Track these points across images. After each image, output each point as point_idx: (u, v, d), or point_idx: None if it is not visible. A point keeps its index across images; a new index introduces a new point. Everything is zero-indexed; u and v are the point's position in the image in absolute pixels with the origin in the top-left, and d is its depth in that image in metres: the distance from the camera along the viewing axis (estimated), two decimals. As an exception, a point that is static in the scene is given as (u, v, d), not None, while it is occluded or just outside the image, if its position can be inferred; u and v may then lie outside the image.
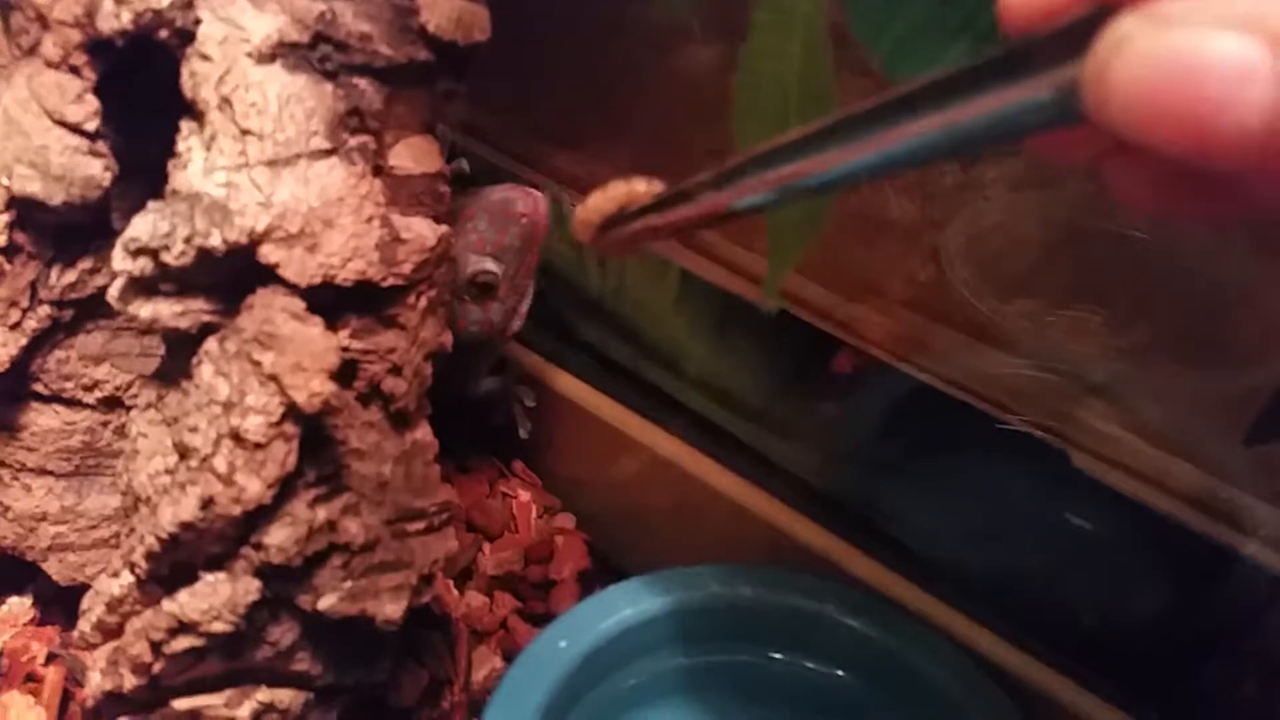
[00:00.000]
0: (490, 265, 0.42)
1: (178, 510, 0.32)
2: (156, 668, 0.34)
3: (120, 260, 0.31)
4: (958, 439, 0.41)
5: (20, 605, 0.44)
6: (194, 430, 0.32)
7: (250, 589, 0.33)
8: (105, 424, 0.40)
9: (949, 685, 0.36)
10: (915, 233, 0.47)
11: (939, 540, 0.41)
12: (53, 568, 0.41)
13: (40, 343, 0.38)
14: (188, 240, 0.31)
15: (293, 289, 0.32)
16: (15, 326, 0.36)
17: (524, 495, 0.51)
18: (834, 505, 0.43)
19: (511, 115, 0.51)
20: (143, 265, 0.31)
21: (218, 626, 0.33)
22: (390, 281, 0.34)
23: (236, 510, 0.31)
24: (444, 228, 0.35)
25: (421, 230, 0.34)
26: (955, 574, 0.40)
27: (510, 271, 0.43)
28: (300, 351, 0.31)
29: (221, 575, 0.33)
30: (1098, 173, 0.18)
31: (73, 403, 0.39)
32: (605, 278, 0.47)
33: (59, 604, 0.43)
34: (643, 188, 0.25)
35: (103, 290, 0.35)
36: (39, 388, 0.39)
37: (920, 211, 0.48)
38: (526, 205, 0.42)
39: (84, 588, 0.38)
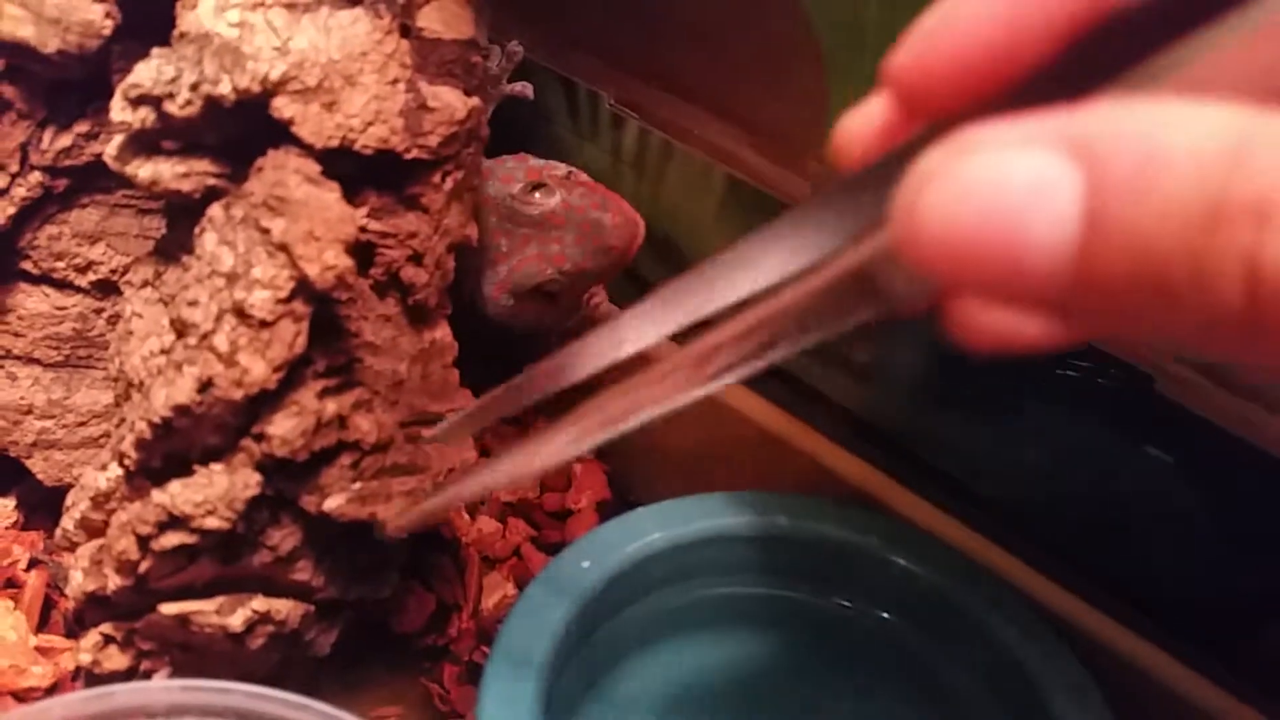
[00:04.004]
0: (560, 278, 0.40)
1: (172, 392, 0.29)
2: (143, 567, 0.31)
3: (120, 110, 0.28)
4: (1017, 370, 0.38)
5: (3, 508, 0.41)
6: (193, 305, 0.29)
7: (249, 483, 0.30)
8: (98, 311, 0.37)
9: (1002, 630, 0.33)
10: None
11: (994, 477, 0.38)
12: (38, 466, 0.38)
13: (30, 215, 0.35)
14: (194, 88, 0.28)
15: (307, 150, 0.28)
16: (3, 193, 0.33)
17: (541, 421, 0.48)
18: (880, 437, 0.40)
19: (547, 21, 0.47)
20: (144, 116, 0.28)
21: (212, 523, 0.30)
22: (414, 154, 0.31)
23: (237, 394, 0.28)
24: (475, 100, 0.32)
25: (450, 100, 0.31)
26: (1013, 515, 0.37)
27: (578, 289, 0.41)
28: (314, 219, 0.28)
29: (218, 467, 0.30)
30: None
31: (64, 285, 0.36)
32: (640, 183, 0.43)
33: (45, 507, 0.40)
34: None
35: (99, 159, 0.32)
36: (28, 266, 0.36)
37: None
38: (620, 239, 0.39)
39: (71, 489, 0.35)
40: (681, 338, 0.18)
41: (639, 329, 0.19)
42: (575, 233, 0.39)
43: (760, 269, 0.16)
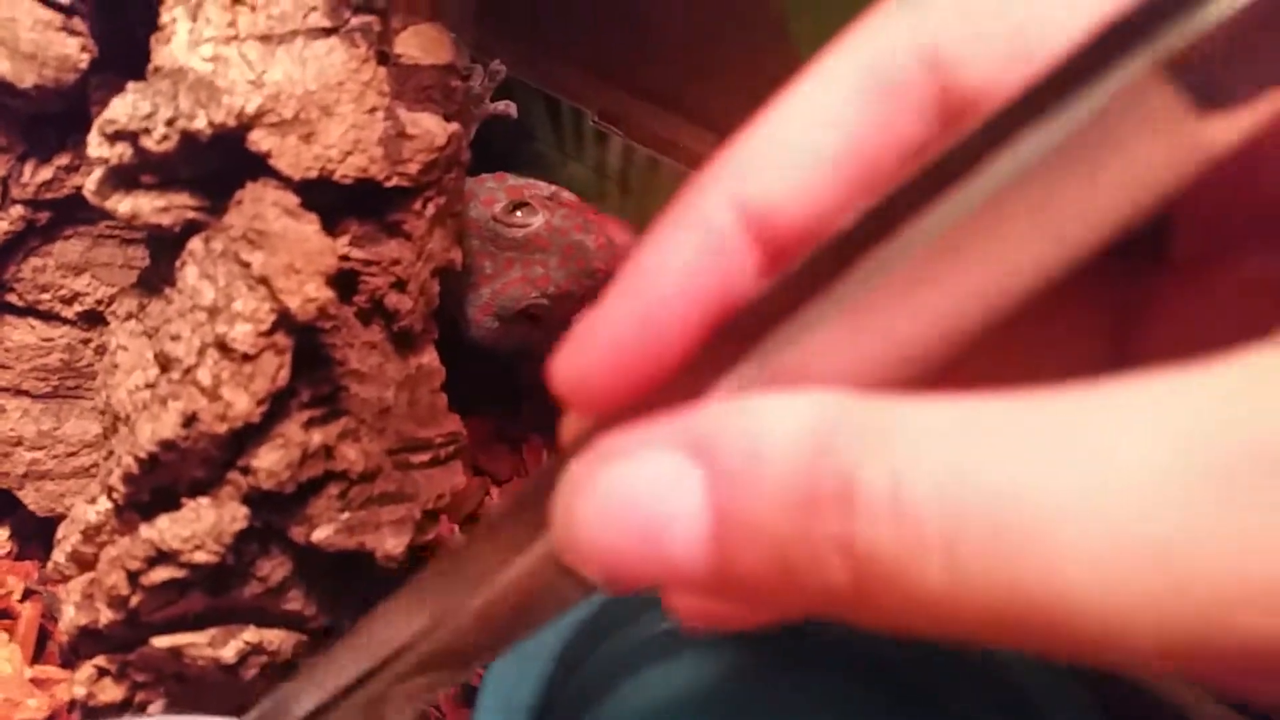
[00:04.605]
0: (544, 301, 0.40)
1: (157, 427, 0.29)
2: (134, 601, 0.31)
3: (96, 146, 0.28)
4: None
5: (-3, 539, 0.41)
6: (176, 339, 0.29)
7: (237, 516, 0.30)
8: (86, 342, 0.37)
9: (1000, 647, 0.33)
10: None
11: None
12: (29, 497, 0.38)
13: (13, 248, 0.35)
14: (170, 123, 0.27)
15: (286, 182, 0.28)
16: (-15, 228, 0.33)
17: (534, 439, 0.48)
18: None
19: (530, 36, 0.47)
20: (121, 152, 0.28)
21: (200, 557, 0.30)
22: (395, 182, 0.30)
23: (222, 428, 0.28)
24: (454, 126, 0.32)
25: (430, 127, 0.31)
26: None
27: (564, 311, 0.41)
28: (293, 251, 0.27)
29: (205, 501, 0.30)
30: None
31: (50, 317, 0.36)
32: (625, 199, 0.43)
33: (38, 537, 0.41)
34: None
35: (81, 191, 0.31)
36: (13, 299, 0.36)
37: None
38: (604, 262, 0.39)
39: (63, 519, 0.35)
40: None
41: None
42: (559, 255, 0.39)
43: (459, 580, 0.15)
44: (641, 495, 0.12)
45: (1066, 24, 0.12)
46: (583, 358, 0.14)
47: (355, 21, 0.29)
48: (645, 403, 0.13)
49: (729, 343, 0.13)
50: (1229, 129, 0.10)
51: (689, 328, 0.13)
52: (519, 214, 0.39)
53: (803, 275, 0.12)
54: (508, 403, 0.49)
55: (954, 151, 0.11)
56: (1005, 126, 0.11)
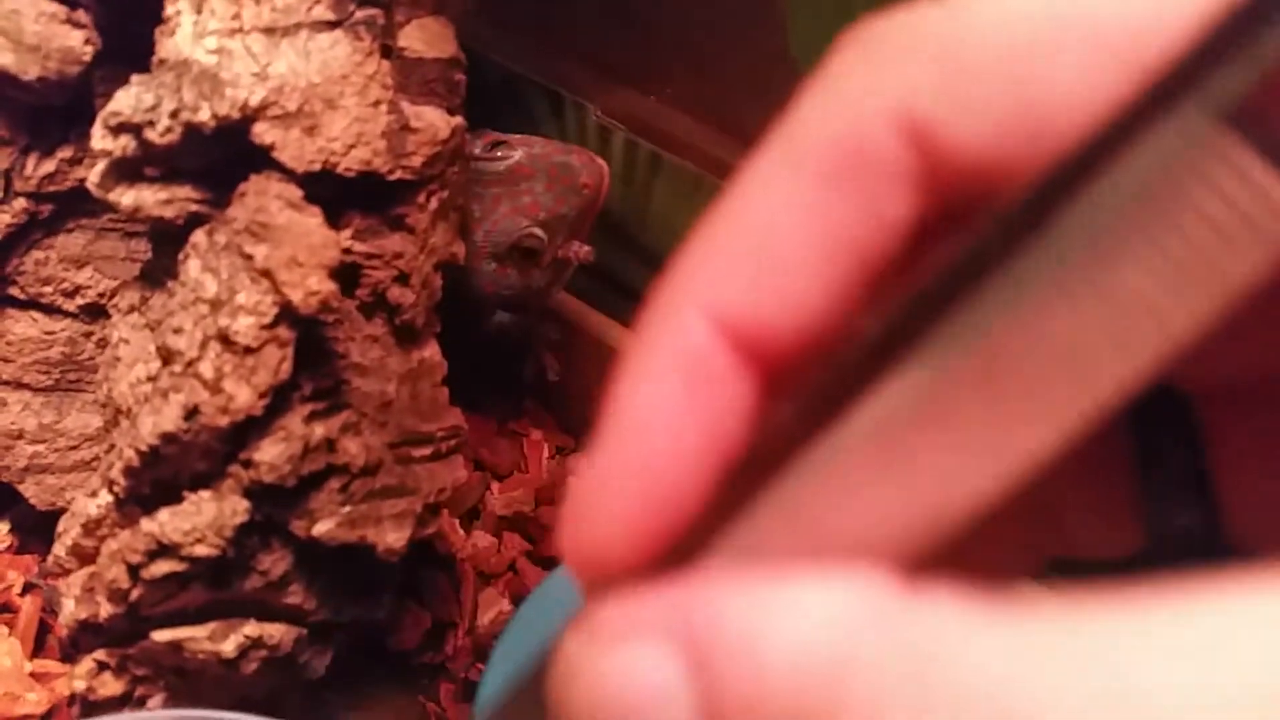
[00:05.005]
0: (539, 232, 0.39)
1: (159, 420, 0.29)
2: (135, 595, 0.31)
3: (100, 139, 0.28)
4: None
5: (-3, 532, 0.41)
6: (178, 332, 0.29)
7: (238, 510, 0.30)
8: (87, 335, 0.37)
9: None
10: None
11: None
12: (30, 490, 0.38)
13: (16, 240, 0.35)
14: (174, 115, 0.27)
15: (289, 175, 0.28)
16: (-12, 221, 0.33)
17: (535, 433, 0.48)
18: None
19: (532, 27, 0.47)
20: (125, 144, 0.28)
21: (201, 550, 0.30)
22: (398, 175, 0.30)
23: (223, 421, 0.28)
24: (458, 119, 0.32)
25: (433, 120, 0.31)
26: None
27: (559, 240, 0.40)
28: (297, 244, 0.27)
29: (206, 494, 0.30)
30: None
31: (52, 310, 0.36)
32: (627, 195, 0.43)
33: (39, 531, 0.40)
34: None
35: (84, 183, 0.31)
36: (15, 292, 0.36)
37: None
38: (590, 176, 0.39)
39: (64, 513, 0.35)
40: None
41: None
42: (544, 179, 0.39)
43: None
44: (630, 696, 0.10)
45: (1078, 84, 0.10)
46: (589, 533, 0.12)
47: (359, 15, 0.29)
48: (652, 564, 0.11)
49: (737, 487, 0.11)
50: None
51: (698, 476, 0.11)
52: (499, 151, 0.39)
53: (813, 404, 0.10)
54: (510, 397, 0.49)
55: (981, 244, 0.09)
56: (1041, 207, 0.09)
